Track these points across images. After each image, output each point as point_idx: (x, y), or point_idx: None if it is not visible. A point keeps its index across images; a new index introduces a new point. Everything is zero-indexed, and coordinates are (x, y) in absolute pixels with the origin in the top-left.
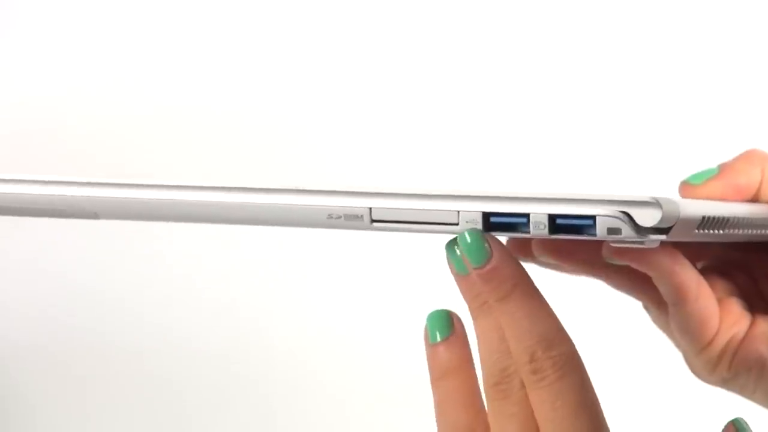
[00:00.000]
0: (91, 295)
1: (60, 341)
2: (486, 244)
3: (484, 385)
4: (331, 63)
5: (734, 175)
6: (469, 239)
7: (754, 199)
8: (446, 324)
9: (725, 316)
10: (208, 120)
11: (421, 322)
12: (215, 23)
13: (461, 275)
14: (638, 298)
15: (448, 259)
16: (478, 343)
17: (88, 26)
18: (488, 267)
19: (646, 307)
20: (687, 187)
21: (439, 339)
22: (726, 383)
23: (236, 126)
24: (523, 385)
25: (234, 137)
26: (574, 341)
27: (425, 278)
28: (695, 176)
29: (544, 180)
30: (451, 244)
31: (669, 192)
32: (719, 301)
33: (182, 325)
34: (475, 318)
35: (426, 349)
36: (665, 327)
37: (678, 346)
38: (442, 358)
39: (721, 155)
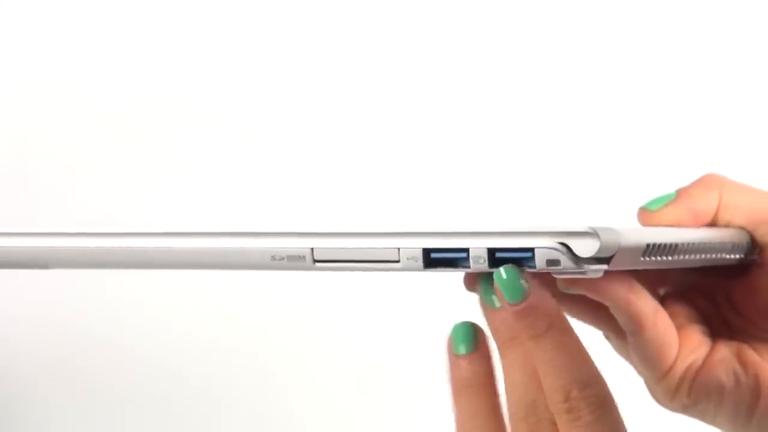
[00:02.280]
0: (90, 301)
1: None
2: (522, 281)
3: (510, 417)
4: (258, 103)
5: (692, 200)
6: (505, 275)
7: (712, 224)
8: (471, 338)
9: (684, 343)
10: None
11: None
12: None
13: (490, 309)
14: (598, 327)
15: (478, 292)
16: (505, 376)
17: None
18: (524, 304)
19: (607, 337)
20: (645, 213)
21: (463, 352)
22: (687, 410)
23: (173, 167)
24: (553, 422)
25: (172, 177)
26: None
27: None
28: (653, 202)
29: (496, 213)
30: (485, 279)
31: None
32: (679, 327)
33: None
34: (502, 353)
35: (448, 359)
36: (626, 355)
37: (639, 373)
38: (465, 373)
39: (677, 178)
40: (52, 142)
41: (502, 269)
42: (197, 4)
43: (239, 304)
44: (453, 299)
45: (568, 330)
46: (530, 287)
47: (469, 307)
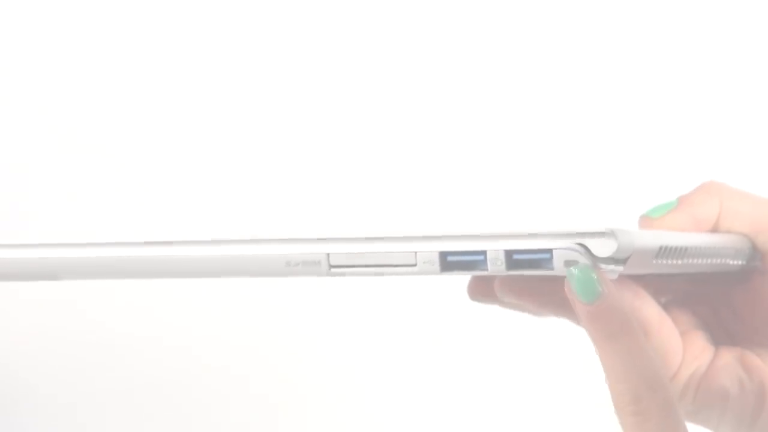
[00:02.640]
0: (91, 303)
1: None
2: (597, 281)
3: None
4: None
5: (693, 207)
6: (578, 275)
7: (713, 231)
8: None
9: (688, 350)
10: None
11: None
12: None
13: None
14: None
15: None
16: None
17: None
18: (597, 305)
19: None
20: (646, 221)
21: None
22: (690, 417)
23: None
24: None
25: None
26: None
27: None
28: (655, 209)
29: (506, 213)
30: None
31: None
32: (683, 334)
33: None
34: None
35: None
36: None
37: None
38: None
39: (680, 185)
40: (50, 143)
41: (574, 268)
42: (197, 4)
43: (240, 308)
44: (452, 301)
45: (639, 332)
46: (605, 288)
47: (469, 309)
